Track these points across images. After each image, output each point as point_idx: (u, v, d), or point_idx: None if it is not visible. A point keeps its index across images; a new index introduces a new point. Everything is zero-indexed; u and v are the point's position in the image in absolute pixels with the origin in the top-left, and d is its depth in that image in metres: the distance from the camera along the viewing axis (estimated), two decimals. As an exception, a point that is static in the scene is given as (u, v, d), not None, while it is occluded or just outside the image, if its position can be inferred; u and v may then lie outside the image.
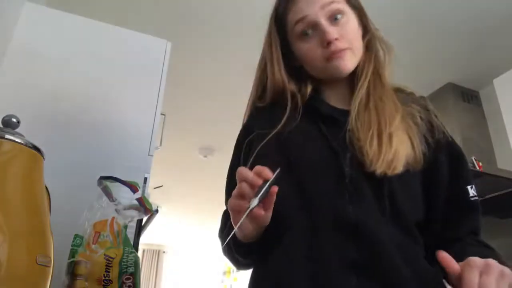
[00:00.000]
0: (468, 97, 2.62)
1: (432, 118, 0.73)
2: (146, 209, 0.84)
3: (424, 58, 2.41)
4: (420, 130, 0.70)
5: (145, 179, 1.23)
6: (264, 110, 0.78)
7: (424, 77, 2.58)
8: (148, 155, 1.30)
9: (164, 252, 7.58)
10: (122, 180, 0.86)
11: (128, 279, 0.77)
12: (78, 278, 0.71)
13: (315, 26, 0.71)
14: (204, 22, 2.21)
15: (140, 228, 1.19)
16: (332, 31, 0.69)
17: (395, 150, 0.64)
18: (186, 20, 2.20)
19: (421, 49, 2.34)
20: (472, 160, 2.19)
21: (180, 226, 6.30)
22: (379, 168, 0.62)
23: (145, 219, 1.47)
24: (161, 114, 1.41)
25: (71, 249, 0.76)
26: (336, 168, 0.65)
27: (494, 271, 0.50)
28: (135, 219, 0.90)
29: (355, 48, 0.73)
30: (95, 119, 1.28)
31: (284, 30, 0.77)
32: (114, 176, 0.86)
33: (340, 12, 0.71)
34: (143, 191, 1.18)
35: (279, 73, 0.76)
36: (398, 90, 0.78)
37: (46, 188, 0.70)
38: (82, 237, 0.78)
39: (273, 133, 0.71)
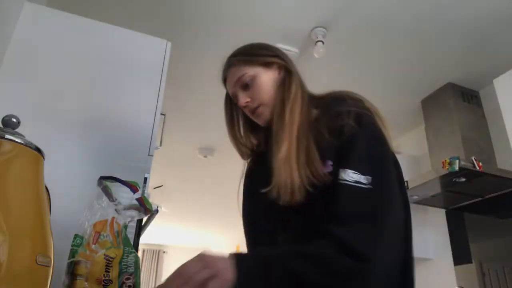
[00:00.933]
0: (468, 97, 2.62)
1: (341, 121, 0.75)
2: (146, 209, 0.84)
3: (424, 58, 2.41)
4: (324, 144, 0.75)
5: (145, 179, 1.24)
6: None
7: (424, 77, 2.58)
8: (148, 155, 1.30)
9: (164, 252, 7.57)
10: (122, 180, 0.86)
11: (128, 279, 0.77)
12: (78, 278, 0.71)
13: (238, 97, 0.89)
14: (204, 22, 2.21)
15: (140, 228, 1.19)
16: (242, 98, 0.88)
17: (284, 181, 0.72)
18: (186, 20, 2.20)
19: (421, 49, 2.33)
20: (472, 160, 2.19)
21: (180, 226, 6.30)
22: (282, 201, 0.73)
23: (145, 219, 1.47)
24: (161, 114, 1.42)
25: (71, 249, 0.76)
26: (267, 204, 0.78)
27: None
28: (135, 219, 0.90)
29: (267, 101, 0.86)
30: (95, 119, 1.28)
31: None
32: (114, 176, 0.86)
33: (248, 79, 0.87)
34: (143, 191, 1.19)
35: (231, 137, 0.95)
36: (336, 99, 0.83)
37: (46, 188, 0.70)
38: (82, 237, 0.78)
39: (241, 181, 0.95)
